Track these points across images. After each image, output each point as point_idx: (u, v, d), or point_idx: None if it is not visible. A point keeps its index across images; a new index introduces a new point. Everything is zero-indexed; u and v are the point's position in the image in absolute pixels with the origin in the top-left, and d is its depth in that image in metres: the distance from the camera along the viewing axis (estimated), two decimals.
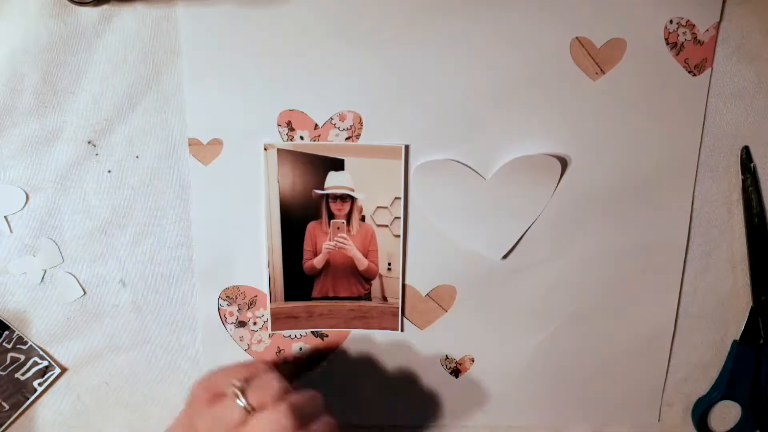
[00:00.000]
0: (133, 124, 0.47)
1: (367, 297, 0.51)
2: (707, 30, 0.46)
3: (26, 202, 0.48)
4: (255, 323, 0.51)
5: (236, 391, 0.36)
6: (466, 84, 0.46)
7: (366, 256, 0.49)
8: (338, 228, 0.49)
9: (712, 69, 0.47)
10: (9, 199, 0.47)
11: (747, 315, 0.52)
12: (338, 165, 0.47)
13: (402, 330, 0.52)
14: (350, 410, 0.53)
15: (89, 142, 0.47)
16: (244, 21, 0.45)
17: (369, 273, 0.50)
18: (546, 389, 0.54)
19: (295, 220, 0.48)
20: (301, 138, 0.47)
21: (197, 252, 0.49)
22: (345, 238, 0.49)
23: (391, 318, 0.51)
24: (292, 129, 0.47)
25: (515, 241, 0.49)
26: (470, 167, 0.48)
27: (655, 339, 0.53)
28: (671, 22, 0.46)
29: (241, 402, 0.36)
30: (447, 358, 0.53)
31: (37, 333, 0.51)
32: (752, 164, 0.49)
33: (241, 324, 0.51)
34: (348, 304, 0.51)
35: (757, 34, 0.47)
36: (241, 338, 0.51)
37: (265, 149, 0.47)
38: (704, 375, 0.54)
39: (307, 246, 0.49)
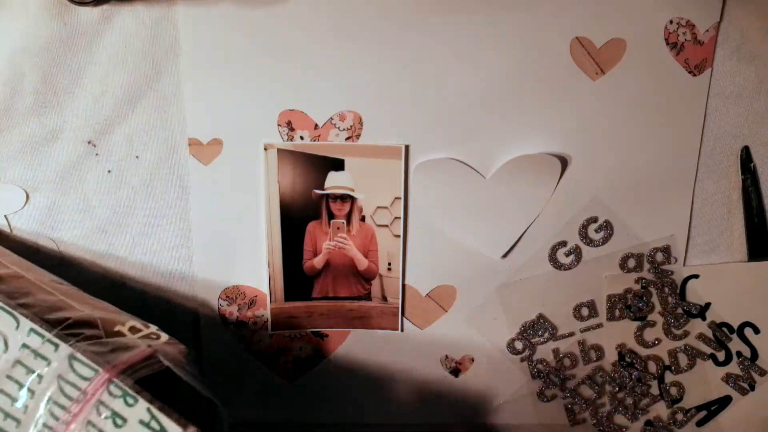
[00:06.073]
0: (133, 124, 0.47)
1: (367, 297, 0.50)
2: (707, 30, 0.46)
3: (26, 202, 0.48)
4: (255, 323, 0.51)
5: None
6: (466, 84, 0.46)
7: (366, 256, 0.49)
8: (338, 228, 0.49)
9: (712, 69, 0.47)
10: (9, 198, 0.47)
11: None
12: (338, 165, 0.47)
13: (402, 330, 0.52)
14: (350, 410, 0.53)
15: (89, 142, 0.47)
16: (244, 21, 0.45)
17: (369, 273, 0.50)
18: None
19: (295, 220, 0.48)
20: (301, 138, 0.47)
21: (197, 252, 0.49)
22: (345, 238, 0.49)
23: (391, 318, 0.51)
24: (292, 129, 0.47)
25: (515, 240, 0.49)
26: (470, 166, 0.48)
27: None
28: (671, 22, 0.46)
29: None
30: (447, 357, 0.53)
31: None
32: (752, 164, 0.49)
33: (241, 324, 0.51)
34: (348, 304, 0.51)
35: (757, 34, 0.47)
36: (241, 338, 0.51)
37: (265, 149, 0.47)
38: None
39: (307, 246, 0.49)
